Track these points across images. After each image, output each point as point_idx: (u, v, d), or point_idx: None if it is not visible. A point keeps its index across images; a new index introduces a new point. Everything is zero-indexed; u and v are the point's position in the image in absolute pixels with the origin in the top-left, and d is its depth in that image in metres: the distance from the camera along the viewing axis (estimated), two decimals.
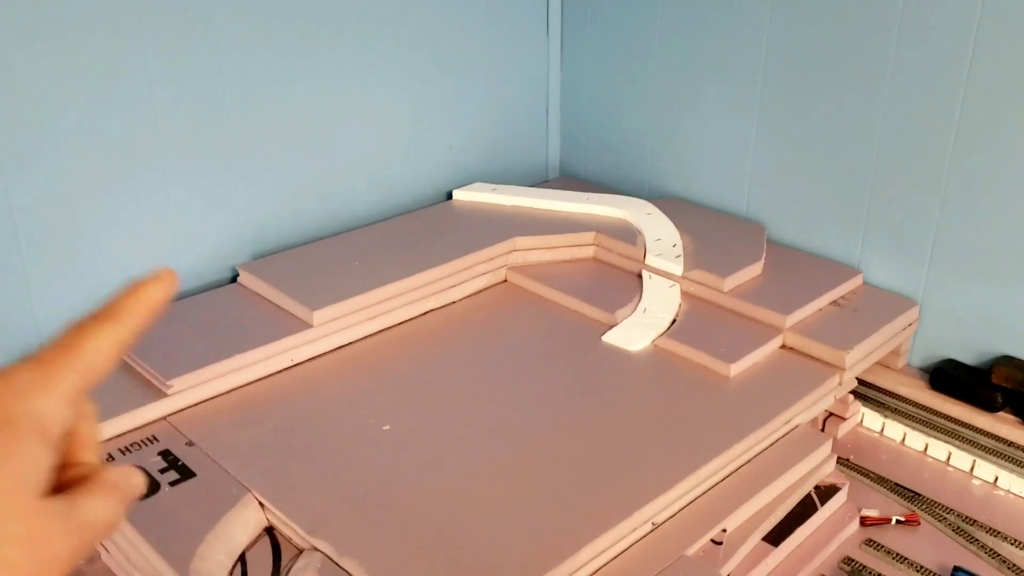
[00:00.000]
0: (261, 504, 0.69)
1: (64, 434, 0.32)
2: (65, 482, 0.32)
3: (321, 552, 0.64)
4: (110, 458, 0.74)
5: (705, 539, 0.70)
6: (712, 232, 1.06)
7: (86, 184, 0.88)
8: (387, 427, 0.78)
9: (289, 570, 0.64)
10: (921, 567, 0.74)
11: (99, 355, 0.32)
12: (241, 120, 0.97)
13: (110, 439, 0.76)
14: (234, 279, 0.99)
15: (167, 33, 0.89)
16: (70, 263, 0.88)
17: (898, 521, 0.79)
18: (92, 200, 0.88)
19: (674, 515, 0.72)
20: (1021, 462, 0.84)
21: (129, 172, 0.90)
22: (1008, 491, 0.84)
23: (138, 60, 0.87)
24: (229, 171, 0.98)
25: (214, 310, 0.91)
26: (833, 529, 0.78)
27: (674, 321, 0.93)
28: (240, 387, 0.84)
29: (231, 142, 0.97)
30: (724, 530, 0.72)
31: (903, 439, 0.91)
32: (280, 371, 0.86)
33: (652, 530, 0.70)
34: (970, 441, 0.87)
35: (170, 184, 0.93)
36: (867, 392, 0.94)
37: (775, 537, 0.74)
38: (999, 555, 0.76)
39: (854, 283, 0.99)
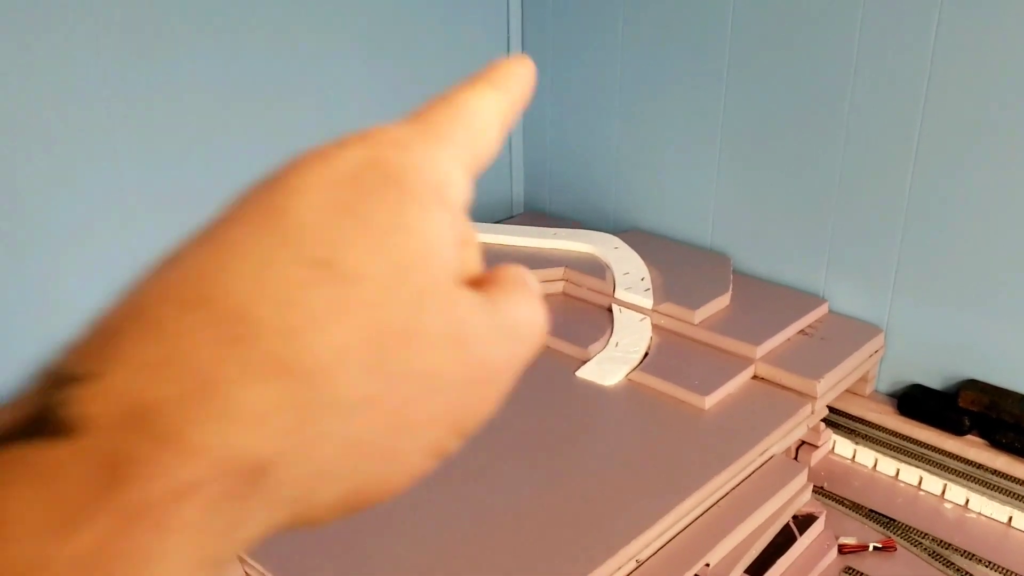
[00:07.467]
0: (240, 558, 0.68)
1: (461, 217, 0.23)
2: None
3: None
4: None
5: (689, 574, 0.70)
6: (679, 265, 1.08)
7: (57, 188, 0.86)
8: None
9: None
10: None
11: (486, 121, 0.25)
12: (201, 153, 0.96)
13: None
14: None
15: (121, 62, 0.88)
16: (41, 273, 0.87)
17: (875, 548, 0.80)
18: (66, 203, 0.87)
19: (657, 551, 0.72)
20: (991, 484, 0.86)
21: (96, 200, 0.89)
22: (979, 513, 0.86)
23: (99, 87, 0.87)
24: (193, 206, 0.97)
25: None
26: (813, 559, 0.78)
27: (646, 354, 0.94)
28: None
29: (192, 175, 0.96)
30: (707, 564, 0.72)
31: (875, 465, 0.92)
32: None
33: (636, 567, 0.70)
34: (940, 465, 0.89)
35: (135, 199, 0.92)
36: (837, 419, 0.96)
37: (757, 569, 0.74)
38: None
39: (820, 312, 1.00)
